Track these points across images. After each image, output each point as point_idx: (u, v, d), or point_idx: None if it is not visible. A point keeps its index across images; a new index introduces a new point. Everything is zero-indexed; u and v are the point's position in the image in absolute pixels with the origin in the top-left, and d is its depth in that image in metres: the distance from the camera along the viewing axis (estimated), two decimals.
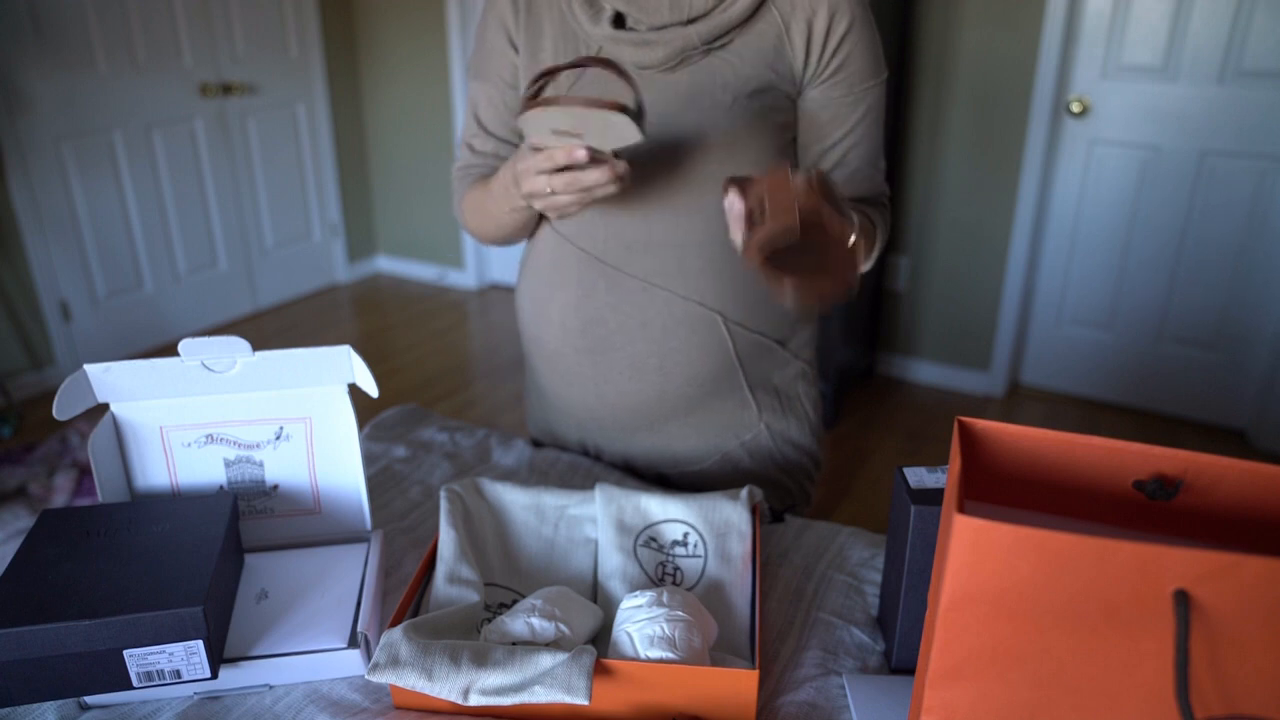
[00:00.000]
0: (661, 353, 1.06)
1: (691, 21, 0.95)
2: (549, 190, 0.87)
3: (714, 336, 1.06)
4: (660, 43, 0.95)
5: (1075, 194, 3.12)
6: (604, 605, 0.86)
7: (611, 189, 0.86)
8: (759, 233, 0.79)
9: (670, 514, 0.93)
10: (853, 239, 0.79)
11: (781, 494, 1.19)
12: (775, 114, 1.00)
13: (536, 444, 1.26)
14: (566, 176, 0.85)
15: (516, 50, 1.05)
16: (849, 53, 0.98)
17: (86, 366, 0.87)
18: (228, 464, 0.93)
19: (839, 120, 1.02)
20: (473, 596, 0.83)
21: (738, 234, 0.84)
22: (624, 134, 0.83)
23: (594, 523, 0.95)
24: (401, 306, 4.28)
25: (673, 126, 0.98)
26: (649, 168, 1.00)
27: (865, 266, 1.03)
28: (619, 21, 0.98)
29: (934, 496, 0.78)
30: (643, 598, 0.79)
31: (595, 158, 0.85)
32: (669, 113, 0.98)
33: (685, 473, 1.17)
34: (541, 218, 1.10)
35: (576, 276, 1.06)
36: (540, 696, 0.70)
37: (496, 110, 1.10)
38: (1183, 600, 0.50)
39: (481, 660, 0.72)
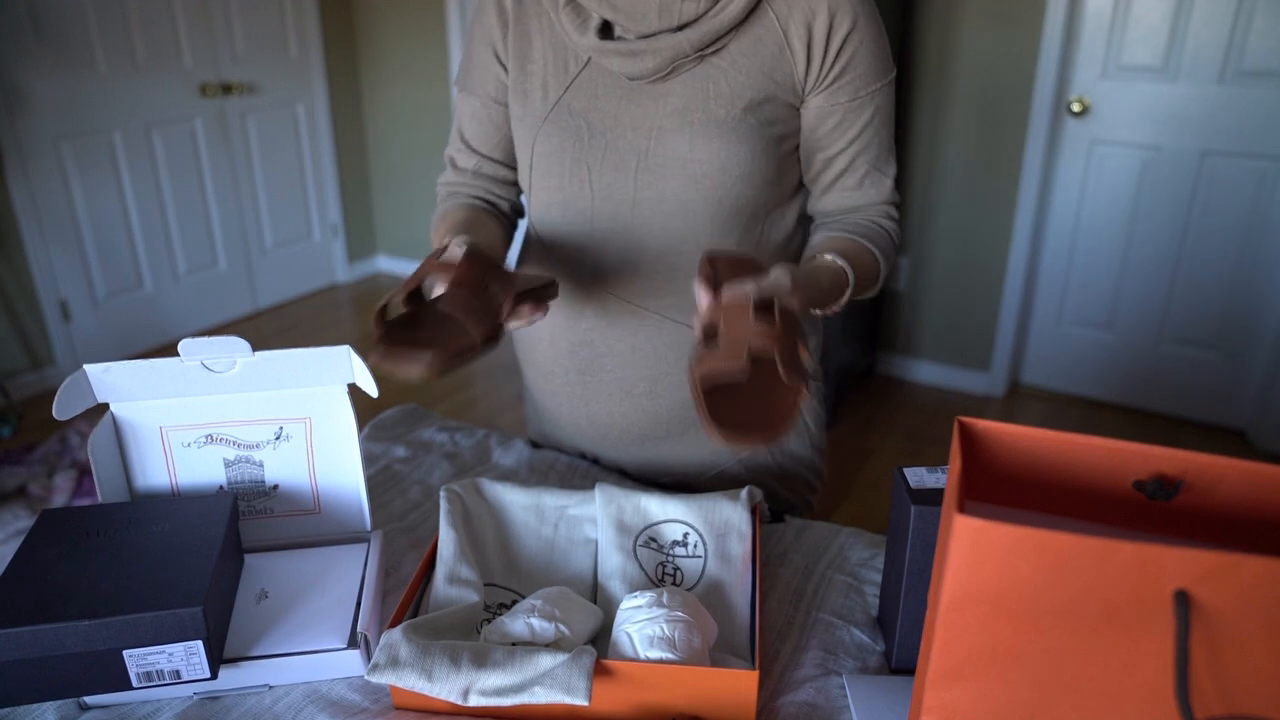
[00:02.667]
0: (652, 376, 1.05)
1: (682, 28, 0.89)
2: None
3: None
4: (649, 51, 0.90)
5: (1075, 194, 3.12)
6: (604, 605, 0.86)
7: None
8: (704, 363, 0.76)
9: (670, 514, 0.93)
10: (804, 397, 0.76)
11: (782, 506, 1.18)
12: (773, 126, 0.96)
13: (536, 446, 1.26)
14: None
15: (504, 67, 1.02)
16: (853, 54, 0.93)
17: (86, 366, 0.86)
18: (227, 464, 0.93)
19: (845, 126, 0.97)
20: (472, 597, 0.83)
21: (698, 330, 0.81)
22: None
23: (594, 523, 0.95)
24: None
25: (664, 143, 0.94)
26: (638, 186, 0.97)
27: (869, 294, 1.00)
28: (606, 31, 0.93)
29: (934, 497, 0.78)
30: (643, 598, 0.79)
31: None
32: (660, 128, 0.94)
33: (680, 485, 1.16)
34: (529, 236, 1.10)
35: (565, 297, 1.04)
36: (540, 697, 0.70)
37: (480, 126, 1.07)
38: (1183, 600, 0.50)
39: (481, 661, 0.72)
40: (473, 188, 1.10)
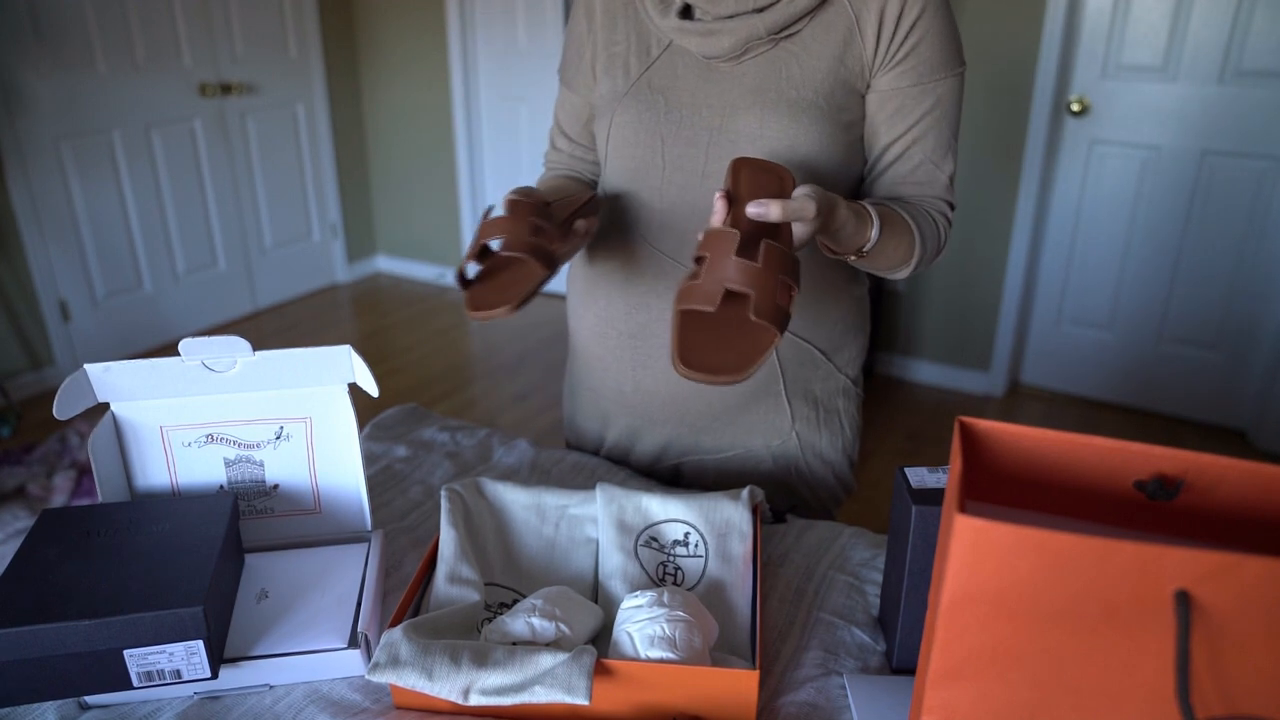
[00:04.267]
0: None
1: (759, 11, 0.94)
2: None
3: None
4: (725, 31, 0.95)
5: (1075, 194, 3.12)
6: (604, 605, 0.86)
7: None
8: (683, 288, 0.77)
9: (671, 514, 0.93)
10: (776, 341, 0.76)
11: (795, 505, 1.17)
12: (843, 113, 0.98)
13: (569, 447, 1.27)
14: None
15: (592, 66, 1.09)
16: (919, 40, 0.95)
17: (86, 366, 0.86)
18: (228, 464, 0.93)
19: (905, 112, 0.98)
20: (473, 596, 0.83)
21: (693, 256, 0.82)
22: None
23: (595, 522, 0.95)
24: (401, 306, 4.28)
25: (737, 119, 0.98)
26: (709, 159, 1.00)
27: (902, 274, 1.00)
28: (686, 14, 0.99)
29: (935, 496, 0.78)
30: (643, 598, 0.78)
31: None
32: (734, 105, 0.98)
33: (705, 460, 1.16)
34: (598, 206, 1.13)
35: (627, 259, 1.08)
36: (540, 696, 0.70)
37: (569, 115, 1.16)
38: (1184, 600, 0.50)
39: (482, 660, 0.72)
40: (568, 162, 1.20)
